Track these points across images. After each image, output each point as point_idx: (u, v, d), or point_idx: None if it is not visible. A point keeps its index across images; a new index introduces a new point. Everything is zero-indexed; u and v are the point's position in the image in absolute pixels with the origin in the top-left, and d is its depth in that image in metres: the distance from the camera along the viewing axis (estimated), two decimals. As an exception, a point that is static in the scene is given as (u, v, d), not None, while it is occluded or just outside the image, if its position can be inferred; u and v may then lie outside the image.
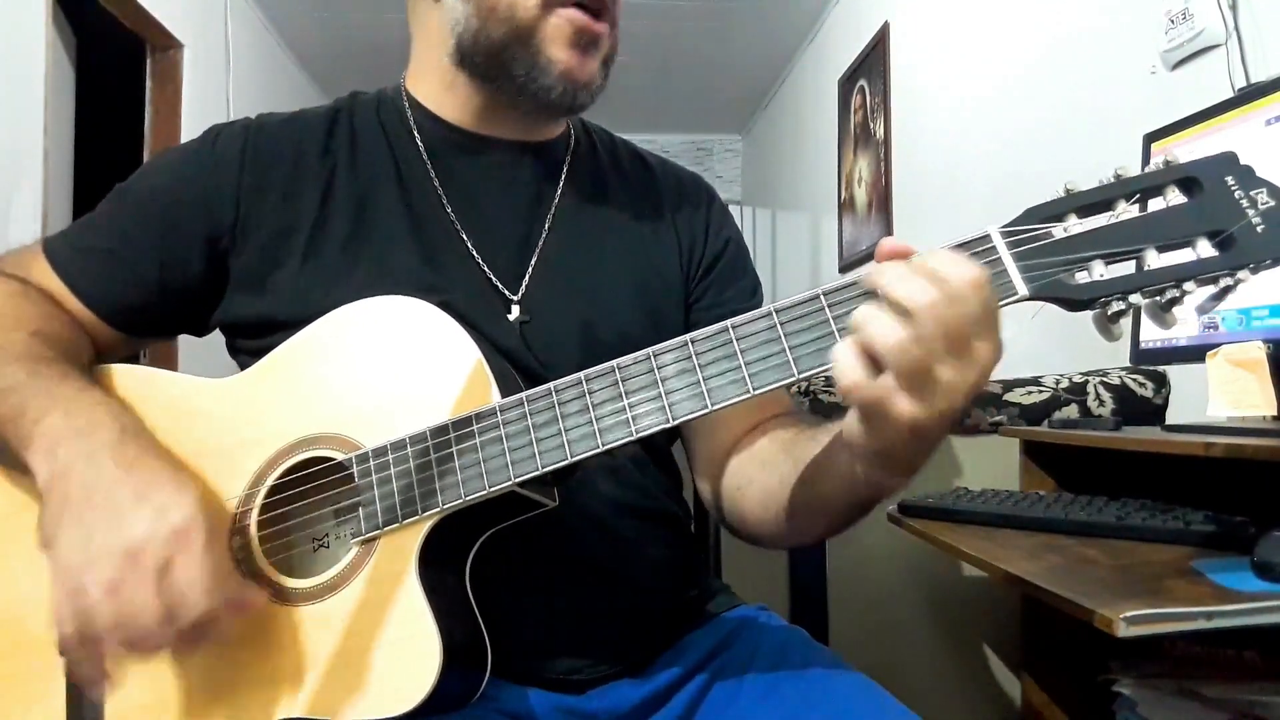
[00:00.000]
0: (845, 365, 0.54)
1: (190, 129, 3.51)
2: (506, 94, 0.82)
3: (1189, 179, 0.55)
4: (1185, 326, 1.18)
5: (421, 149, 0.84)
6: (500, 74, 0.80)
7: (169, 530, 0.60)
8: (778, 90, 5.40)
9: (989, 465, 1.34)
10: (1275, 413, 1.05)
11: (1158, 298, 0.55)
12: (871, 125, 3.70)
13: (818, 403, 1.48)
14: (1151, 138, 1.25)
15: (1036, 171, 2.42)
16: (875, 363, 0.53)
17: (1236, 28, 1.68)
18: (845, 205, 4.08)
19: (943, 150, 3.10)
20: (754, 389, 0.59)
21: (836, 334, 0.57)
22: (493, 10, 0.78)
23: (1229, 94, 1.50)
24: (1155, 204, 0.56)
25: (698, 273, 0.90)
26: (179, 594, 0.60)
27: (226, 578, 0.63)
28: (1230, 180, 0.55)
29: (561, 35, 0.77)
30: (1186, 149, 1.20)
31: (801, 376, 0.58)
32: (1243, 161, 0.56)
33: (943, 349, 0.52)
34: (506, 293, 0.81)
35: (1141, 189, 0.56)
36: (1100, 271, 0.55)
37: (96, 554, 0.60)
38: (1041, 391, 1.49)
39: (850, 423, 0.58)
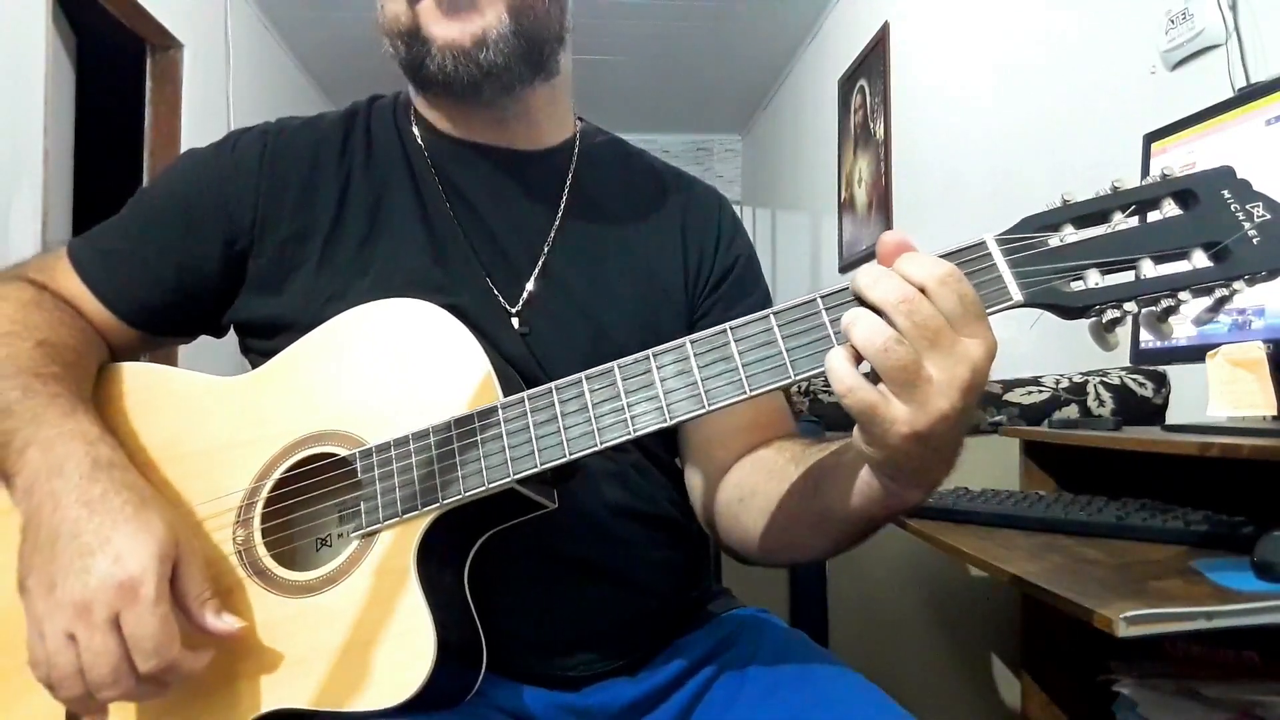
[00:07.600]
0: (839, 370, 0.55)
1: (190, 129, 3.51)
2: (436, 96, 0.83)
3: (1185, 192, 0.56)
4: (1184, 327, 1.18)
5: (426, 156, 0.85)
6: (424, 79, 0.80)
7: (120, 581, 0.61)
8: (778, 90, 5.40)
9: (989, 465, 1.34)
10: (1275, 413, 1.05)
11: (1153, 307, 0.55)
12: (871, 125, 3.70)
13: (818, 403, 1.48)
14: (1151, 138, 1.25)
15: (1036, 171, 2.42)
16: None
17: (1236, 28, 1.68)
18: (845, 205, 4.08)
19: (943, 150, 3.10)
20: (750, 390, 0.60)
21: (833, 337, 0.58)
22: (394, 31, 0.79)
23: (1229, 94, 1.50)
24: (1151, 216, 0.56)
25: (705, 289, 0.89)
26: (131, 646, 0.61)
27: (199, 609, 0.63)
28: (1226, 194, 0.55)
29: (432, 13, 0.77)
30: (1186, 149, 1.21)
31: (798, 378, 0.59)
32: (1240, 175, 0.56)
33: (925, 345, 0.53)
34: (506, 305, 0.81)
35: (1137, 201, 0.56)
36: (1095, 280, 0.56)
37: (55, 605, 0.62)
38: (1041, 391, 1.49)
39: (857, 431, 0.58)
